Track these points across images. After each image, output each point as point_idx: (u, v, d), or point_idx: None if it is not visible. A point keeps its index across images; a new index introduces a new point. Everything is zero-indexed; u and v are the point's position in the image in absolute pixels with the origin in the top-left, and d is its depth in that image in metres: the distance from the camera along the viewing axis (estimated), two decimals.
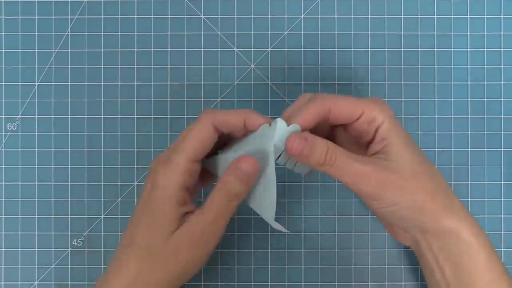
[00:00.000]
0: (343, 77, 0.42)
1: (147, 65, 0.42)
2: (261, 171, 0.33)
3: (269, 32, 0.42)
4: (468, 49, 0.42)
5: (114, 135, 0.42)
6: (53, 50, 0.42)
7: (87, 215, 0.42)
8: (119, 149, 0.42)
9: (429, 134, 0.42)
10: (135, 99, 0.42)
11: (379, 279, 0.42)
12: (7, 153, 0.42)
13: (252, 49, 0.42)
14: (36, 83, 0.42)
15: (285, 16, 0.42)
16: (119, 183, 0.42)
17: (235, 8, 0.42)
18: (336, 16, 0.42)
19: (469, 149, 0.42)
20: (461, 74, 0.42)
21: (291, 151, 0.31)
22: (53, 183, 0.42)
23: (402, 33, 0.42)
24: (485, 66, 0.42)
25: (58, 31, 0.42)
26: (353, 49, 0.42)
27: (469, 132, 0.42)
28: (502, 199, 0.42)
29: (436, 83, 0.42)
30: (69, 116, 0.42)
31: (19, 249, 0.42)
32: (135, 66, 0.42)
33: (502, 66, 0.42)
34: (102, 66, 0.42)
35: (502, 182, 0.42)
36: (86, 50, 0.42)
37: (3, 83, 0.42)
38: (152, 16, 0.42)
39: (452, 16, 0.42)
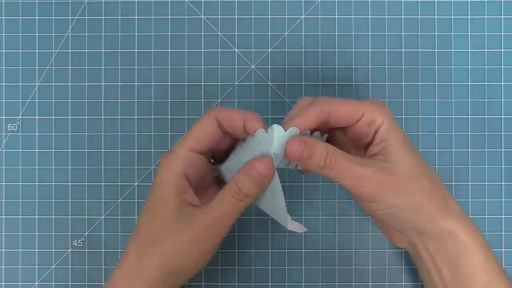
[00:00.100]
0: (343, 77, 0.42)
1: (147, 66, 0.42)
2: None
3: (269, 33, 0.42)
4: (469, 50, 0.42)
5: (115, 135, 0.42)
6: (53, 50, 0.42)
7: (87, 216, 0.42)
8: (119, 150, 0.42)
9: (429, 134, 0.42)
10: (136, 100, 0.42)
11: (379, 279, 0.42)
12: (7, 154, 0.42)
13: (253, 50, 0.42)
14: (37, 84, 0.42)
15: (286, 16, 0.42)
16: (119, 183, 0.42)
17: (236, 8, 0.42)
18: (336, 16, 0.42)
19: (469, 150, 0.42)
20: (461, 74, 0.42)
21: (291, 155, 0.31)
22: (53, 183, 0.42)
23: (403, 33, 0.42)
24: (486, 66, 0.42)
25: (59, 32, 0.42)
26: (353, 50, 0.42)
27: (469, 133, 0.42)
28: (503, 199, 0.42)
29: (436, 83, 0.42)
30: (70, 117, 0.42)
31: (20, 250, 0.42)
32: (136, 67, 0.42)
33: (502, 66, 0.42)
34: (103, 67, 0.42)
35: (503, 183, 0.42)
36: (86, 50, 0.42)
37: (3, 84, 0.42)
38: (153, 17, 0.42)
39: (452, 17, 0.42)
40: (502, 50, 0.42)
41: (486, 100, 0.42)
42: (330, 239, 0.42)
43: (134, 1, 0.42)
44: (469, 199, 0.42)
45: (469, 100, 0.42)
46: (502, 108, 0.42)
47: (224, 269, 0.42)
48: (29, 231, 0.42)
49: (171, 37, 0.42)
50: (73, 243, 0.42)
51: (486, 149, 0.42)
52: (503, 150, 0.42)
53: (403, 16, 0.42)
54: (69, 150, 0.42)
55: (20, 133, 0.42)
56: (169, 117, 0.42)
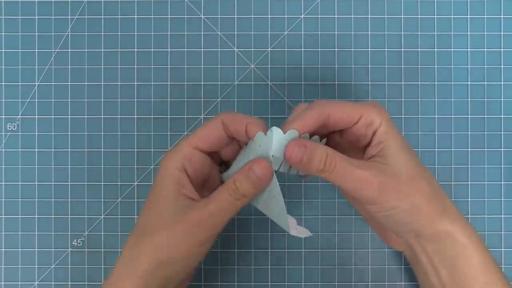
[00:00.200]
0: (343, 77, 0.42)
1: (147, 65, 0.42)
2: None
3: (269, 32, 0.42)
4: (468, 49, 0.42)
5: (114, 135, 0.42)
6: (53, 50, 0.42)
7: (87, 215, 0.42)
8: (119, 149, 0.42)
9: (429, 134, 0.42)
10: (135, 99, 0.42)
11: (379, 279, 0.42)
12: (7, 153, 0.42)
13: (252, 49, 0.42)
14: (36, 83, 0.42)
15: (285, 16, 0.42)
16: (119, 183, 0.42)
17: (235, 8, 0.42)
18: (336, 16, 0.42)
19: (469, 149, 0.42)
20: (461, 74, 0.42)
21: (290, 159, 0.31)
22: (53, 183, 0.42)
23: (402, 33, 0.42)
24: (485, 66, 0.42)
25: (58, 31, 0.42)
26: (353, 49, 0.42)
27: (469, 132, 0.42)
28: (502, 199, 0.42)
29: (436, 83, 0.42)
30: (69, 116, 0.42)
31: (19, 249, 0.42)
32: (135, 66, 0.42)
33: (502, 66, 0.42)
34: (102, 66, 0.42)
35: (502, 182, 0.42)
36: (86, 50, 0.42)
37: (3, 83, 0.42)
38: (152, 16, 0.42)
39: (452, 16, 0.42)
40: (502, 49, 0.42)
41: (485, 99, 0.42)
42: (330, 239, 0.42)
43: (133, 1, 0.42)
44: (469, 199, 0.42)
45: (469, 99, 0.42)
46: (501, 107, 0.42)
47: (224, 268, 0.42)
48: (29, 231, 0.42)
49: (171, 37, 0.42)
50: (73, 243, 0.42)
51: (485, 149, 0.42)
52: (502, 149, 0.42)
53: (402, 16, 0.42)
54: (69, 150, 0.42)
55: (19, 133, 0.42)
56: (169, 116, 0.42)
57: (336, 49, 0.42)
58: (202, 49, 0.42)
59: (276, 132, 0.31)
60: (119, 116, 0.42)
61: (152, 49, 0.42)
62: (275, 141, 0.31)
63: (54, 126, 0.42)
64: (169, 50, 0.42)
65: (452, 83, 0.42)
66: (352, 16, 0.42)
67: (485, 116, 0.42)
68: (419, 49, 0.42)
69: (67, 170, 0.42)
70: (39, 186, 0.42)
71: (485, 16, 0.42)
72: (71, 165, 0.42)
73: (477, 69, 0.42)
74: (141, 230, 0.33)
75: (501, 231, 0.42)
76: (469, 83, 0.42)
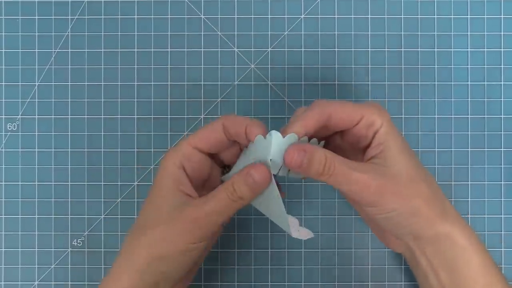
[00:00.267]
0: (343, 77, 0.42)
1: (147, 65, 0.42)
2: None
3: (269, 32, 0.42)
4: (468, 49, 0.42)
5: (114, 135, 0.42)
6: (53, 50, 0.42)
7: (87, 215, 0.42)
8: (119, 149, 0.42)
9: (429, 134, 0.42)
10: (135, 99, 0.42)
11: (379, 279, 0.42)
12: (7, 153, 0.42)
13: (252, 49, 0.42)
14: (36, 83, 0.42)
15: (285, 16, 0.42)
16: (119, 183, 0.42)
17: (235, 8, 0.42)
18: (336, 16, 0.42)
19: (469, 149, 0.42)
20: (461, 74, 0.42)
21: (290, 164, 0.31)
22: (53, 183, 0.42)
23: (402, 33, 0.42)
24: (485, 66, 0.42)
25: (58, 31, 0.42)
26: (353, 49, 0.42)
27: (469, 132, 0.42)
28: (502, 199, 0.42)
29: (436, 83, 0.42)
30: (69, 116, 0.42)
31: (19, 249, 0.42)
32: (135, 66, 0.42)
33: (502, 66, 0.42)
34: (102, 66, 0.42)
35: (502, 182, 0.42)
36: (86, 50, 0.42)
37: (3, 83, 0.42)
38: (152, 16, 0.42)
39: (452, 16, 0.42)
40: (502, 49, 0.42)
41: (485, 99, 0.42)
42: (330, 238, 0.42)
43: (133, 1, 0.42)
44: (469, 199, 0.42)
45: (469, 99, 0.42)
46: (501, 107, 0.42)
47: (224, 268, 0.42)
48: (29, 231, 0.42)
49: (171, 37, 0.42)
50: (73, 243, 0.42)
51: (485, 149, 0.42)
52: (502, 149, 0.42)
53: (402, 16, 0.42)
54: (69, 150, 0.42)
55: (19, 133, 0.42)
56: (169, 116, 0.42)
57: (336, 49, 0.42)
58: (202, 49, 0.42)
59: (275, 136, 0.31)
60: (119, 116, 0.42)
61: (152, 49, 0.42)
62: (274, 145, 0.31)
63: (54, 126, 0.42)
64: (169, 50, 0.42)
65: (452, 83, 0.42)
66: (352, 16, 0.42)
67: (485, 116, 0.42)
68: (419, 49, 0.42)
69: (67, 170, 0.42)
70: (39, 186, 0.42)
71: (485, 16, 0.42)
72: (71, 165, 0.42)
73: (477, 69, 0.42)
74: (139, 226, 0.33)
75: (501, 231, 0.42)
76: (469, 83, 0.42)
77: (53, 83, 0.42)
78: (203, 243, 0.33)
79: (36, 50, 0.42)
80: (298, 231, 0.33)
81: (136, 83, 0.42)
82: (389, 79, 0.42)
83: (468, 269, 0.32)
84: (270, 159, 0.31)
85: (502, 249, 0.42)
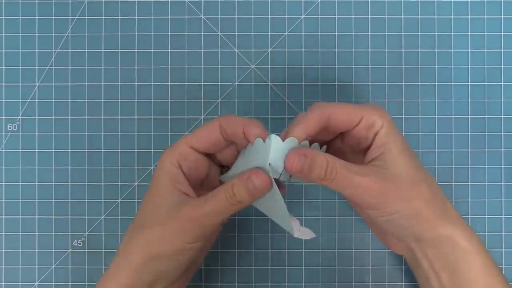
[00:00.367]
0: (343, 77, 0.42)
1: (147, 66, 0.42)
2: None
3: (269, 33, 0.42)
4: (469, 50, 0.42)
5: (115, 135, 0.42)
6: (53, 50, 0.42)
7: (87, 216, 0.42)
8: (119, 150, 0.42)
9: (429, 134, 0.42)
10: (136, 100, 0.42)
11: (379, 279, 0.42)
12: (7, 154, 0.42)
13: (253, 50, 0.42)
14: (37, 84, 0.42)
15: (286, 16, 0.42)
16: (119, 183, 0.42)
17: (236, 8, 0.42)
18: (336, 16, 0.42)
19: (469, 150, 0.42)
20: (461, 74, 0.42)
21: (291, 169, 0.31)
22: (53, 183, 0.42)
23: (403, 33, 0.42)
24: (486, 66, 0.42)
25: (59, 32, 0.42)
26: (353, 50, 0.42)
27: (469, 133, 0.42)
28: (503, 199, 0.42)
29: (436, 83, 0.42)
30: (70, 117, 0.42)
31: (20, 250, 0.42)
32: (136, 67, 0.42)
33: (502, 66, 0.42)
34: (103, 67, 0.42)
35: (503, 183, 0.42)
36: (86, 50, 0.42)
37: (3, 84, 0.42)
38: (153, 17, 0.42)
39: (452, 17, 0.42)
40: (502, 50, 0.42)
41: (486, 100, 0.42)
42: (330, 239, 0.42)
43: (134, 1, 0.42)
44: (469, 199, 0.42)
45: (469, 100, 0.42)
46: (502, 108, 0.42)
47: (224, 269, 0.42)
48: (29, 231, 0.42)
49: (171, 37, 0.42)
50: (73, 243, 0.42)
51: (486, 149, 0.42)
52: (503, 150, 0.42)
53: (403, 16, 0.42)
54: (69, 150, 0.42)
55: (20, 133, 0.42)
56: (169, 117, 0.42)
57: (336, 50, 0.42)
58: (203, 50, 0.42)
59: (274, 140, 0.31)
60: (119, 117, 0.42)
61: (153, 50, 0.42)
62: (273, 149, 0.31)
63: (55, 126, 0.42)
64: (169, 50, 0.42)
65: (453, 83, 0.42)
66: (353, 16, 0.42)
67: (486, 116, 0.42)
68: (419, 50, 0.42)
69: (67, 171, 0.42)
70: (39, 187, 0.42)
71: (486, 17, 0.42)
72: (71, 166, 0.42)
73: (478, 69, 0.42)
74: (137, 224, 0.33)
75: (502, 232, 0.42)
76: (469, 83, 0.42)
77: (53, 84, 0.42)
78: (200, 243, 0.33)
79: (36, 50, 0.42)
80: (299, 231, 0.33)
81: (136, 83, 0.42)
82: (389, 80, 0.42)
83: (470, 270, 0.32)
84: (269, 164, 0.31)
85: (503, 250, 0.42)
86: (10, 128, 0.42)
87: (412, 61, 0.42)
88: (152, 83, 0.42)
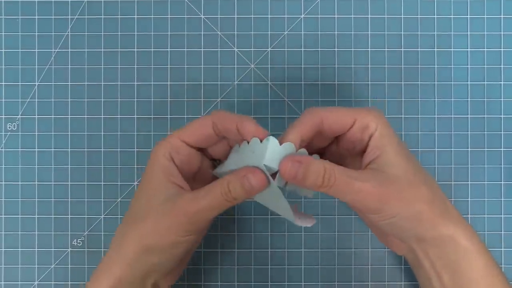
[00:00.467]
0: (343, 77, 0.42)
1: (147, 65, 0.42)
2: None
3: (269, 32, 0.42)
4: (468, 49, 0.42)
5: (114, 135, 0.42)
6: (53, 50, 0.42)
7: (87, 215, 0.42)
8: (119, 149, 0.42)
9: (429, 134, 0.42)
10: (135, 99, 0.42)
11: (379, 279, 0.42)
12: (7, 153, 0.42)
13: (252, 49, 0.42)
14: (36, 83, 0.42)
15: (285, 16, 0.42)
16: (119, 183, 0.42)
17: (235, 8, 0.42)
18: (336, 16, 0.42)
19: (469, 149, 0.42)
20: (461, 74, 0.42)
21: (284, 175, 0.31)
22: (53, 183, 0.42)
23: (402, 33, 0.42)
24: (485, 66, 0.42)
25: (58, 31, 0.42)
26: (353, 49, 0.42)
27: (469, 132, 0.42)
28: (502, 199, 0.42)
29: (436, 83, 0.42)
30: (69, 116, 0.42)
31: (19, 249, 0.42)
32: (135, 66, 0.42)
33: (502, 66, 0.42)
34: (102, 66, 0.42)
35: (502, 182, 0.42)
36: (86, 50, 0.42)
37: (3, 83, 0.42)
38: (152, 16, 0.42)
39: (452, 16, 0.42)
40: (502, 49, 0.42)
41: (485, 99, 0.42)
42: (330, 238, 0.42)
43: (133, 1, 0.42)
44: (469, 199, 0.42)
45: (469, 99, 0.42)
46: (501, 107, 0.42)
47: (224, 268, 0.42)
48: (29, 231, 0.42)
49: (171, 37, 0.42)
50: (73, 243, 0.42)
51: (485, 149, 0.42)
52: (502, 149, 0.42)
53: (402, 16, 0.42)
54: (69, 150, 0.42)
55: (19, 133, 0.42)
56: (169, 116, 0.42)
57: (336, 49, 0.42)
58: (202, 49, 0.42)
59: (272, 141, 0.31)
60: (119, 116, 0.42)
61: (152, 49, 0.42)
62: (269, 150, 0.31)
63: (54, 126, 0.42)
64: (169, 50, 0.42)
65: (452, 83, 0.42)
66: (352, 16, 0.42)
67: (485, 116, 0.42)
68: (419, 49, 0.42)
69: (67, 170, 0.42)
70: (39, 186, 0.42)
71: (485, 16, 0.42)
72: (71, 165, 0.42)
73: (477, 69, 0.42)
74: (130, 217, 0.33)
75: (501, 231, 0.42)
76: (469, 83, 0.42)
77: (53, 83, 0.42)
78: (193, 236, 0.33)
79: (36, 50, 0.42)
80: (299, 218, 0.33)
81: (136, 83, 0.42)
82: (389, 79, 0.42)
83: (471, 270, 0.32)
84: (264, 165, 0.31)
85: (502, 249, 0.42)
86: (9, 127, 0.42)
87: (412, 60, 0.42)
88: (152, 83, 0.42)
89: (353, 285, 0.42)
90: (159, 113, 0.42)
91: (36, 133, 0.42)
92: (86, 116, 0.42)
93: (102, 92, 0.42)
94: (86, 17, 0.42)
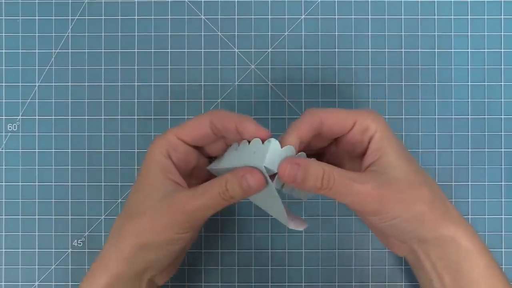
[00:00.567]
0: (343, 78, 0.42)
1: (147, 66, 0.42)
2: None
3: (269, 33, 0.42)
4: (469, 50, 0.42)
5: (115, 135, 0.42)
6: (53, 50, 0.42)
7: (87, 216, 0.42)
8: (119, 150, 0.42)
9: (429, 134, 0.42)
10: (136, 100, 0.42)
11: (379, 279, 0.42)
12: (7, 154, 0.42)
13: (253, 50, 0.42)
14: (37, 84, 0.42)
15: (286, 16, 0.42)
16: (119, 183, 0.42)
17: (236, 8, 0.42)
18: (336, 16, 0.42)
19: (469, 150, 0.42)
20: (461, 74, 0.42)
21: (283, 177, 0.30)
22: (53, 183, 0.42)
23: (403, 33, 0.42)
24: (486, 66, 0.42)
25: (59, 32, 0.42)
26: (353, 50, 0.42)
27: (469, 133, 0.42)
28: (503, 199, 0.42)
29: (436, 83, 0.42)
30: (70, 117, 0.42)
31: (20, 250, 0.42)
32: (136, 67, 0.42)
33: (502, 66, 0.42)
34: (103, 67, 0.42)
35: (503, 183, 0.42)
36: (86, 50, 0.42)
37: (3, 84, 0.42)
38: (153, 17, 0.42)
39: (452, 17, 0.42)
40: (502, 50, 0.42)
41: (486, 100, 0.42)
42: (330, 239, 0.42)
43: (134, 1, 0.42)
44: (469, 199, 0.42)
45: (469, 100, 0.42)
46: (502, 108, 0.42)
47: (224, 269, 0.42)
48: (29, 231, 0.42)
49: (171, 37, 0.42)
50: (73, 243, 0.42)
51: (486, 149, 0.42)
52: (503, 150, 0.42)
53: (403, 16, 0.42)
54: (69, 150, 0.42)
55: (20, 133, 0.42)
56: (169, 117, 0.42)
57: (336, 50, 0.42)
58: (203, 50, 0.42)
59: (273, 144, 0.31)
60: (119, 117, 0.42)
61: (153, 50, 0.42)
62: (270, 152, 0.30)
63: (55, 126, 0.42)
64: (169, 50, 0.42)
65: (453, 83, 0.42)
66: (353, 16, 0.42)
67: (486, 116, 0.42)
68: (419, 50, 0.42)
69: (67, 171, 0.42)
70: (39, 187, 0.42)
71: (486, 17, 0.42)
72: (71, 166, 0.42)
73: (478, 69, 0.42)
74: (127, 213, 0.33)
75: (502, 232, 0.42)
76: (469, 83, 0.42)
77: (53, 84, 0.42)
78: (190, 233, 0.33)
79: (36, 50, 0.42)
80: (292, 220, 0.33)
81: (136, 83, 0.42)
82: (390, 80, 0.42)
83: (472, 271, 0.32)
84: (264, 167, 0.31)
85: (503, 250, 0.42)
86: (10, 128, 0.42)
87: (412, 61, 0.42)
88: (152, 83, 0.42)
89: (353, 286, 0.42)
90: (159, 114, 0.42)
91: (37, 133, 0.42)
92: (86, 117, 0.42)
93: (102, 93, 0.42)
94: (86, 17, 0.42)
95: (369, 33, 0.42)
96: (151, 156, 0.33)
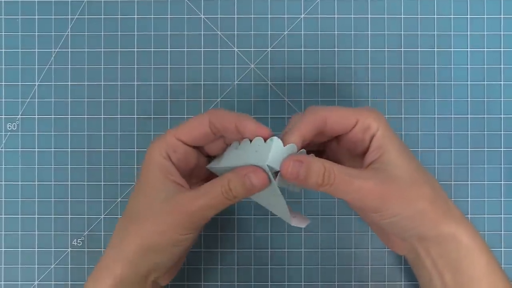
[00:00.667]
0: (343, 77, 0.42)
1: (147, 65, 0.42)
2: None
3: (269, 32, 0.42)
4: (468, 49, 0.42)
5: (114, 135, 0.42)
6: (53, 50, 0.42)
7: (87, 215, 0.42)
8: (119, 149, 0.42)
9: (429, 134, 0.42)
10: (135, 99, 0.42)
11: (379, 279, 0.42)
12: (7, 153, 0.42)
13: (252, 49, 0.42)
14: (36, 83, 0.42)
15: (285, 16, 0.42)
16: (119, 183, 0.42)
17: (235, 8, 0.42)
18: (336, 16, 0.42)
19: (469, 149, 0.42)
20: (461, 74, 0.42)
21: (286, 175, 0.30)
22: (53, 183, 0.42)
23: (402, 33, 0.42)
24: (485, 66, 0.42)
25: (58, 31, 0.42)
26: (353, 49, 0.42)
27: (469, 132, 0.42)
28: (502, 199, 0.42)
29: (436, 83, 0.42)
30: (69, 116, 0.42)
31: (19, 249, 0.42)
32: (135, 66, 0.42)
33: (502, 66, 0.42)
34: (102, 66, 0.42)
35: (502, 182, 0.42)
36: (86, 50, 0.42)
37: (3, 83, 0.42)
38: (152, 16, 0.42)
39: (452, 16, 0.42)
40: (502, 49, 0.42)
41: (485, 99, 0.42)
42: (330, 238, 0.42)
43: (133, 1, 0.42)
44: (469, 199, 0.42)
45: (469, 99, 0.42)
46: (501, 107, 0.42)
47: (224, 268, 0.42)
48: (29, 231, 0.42)
49: (171, 37, 0.42)
50: (73, 243, 0.42)
51: (485, 149, 0.42)
52: (502, 149, 0.42)
53: (402, 16, 0.42)
54: (69, 150, 0.42)
55: (19, 133, 0.42)
56: (169, 116, 0.42)
57: (336, 49, 0.42)
58: (202, 49, 0.42)
59: (276, 142, 0.31)
60: (119, 116, 0.42)
61: (152, 49, 0.42)
62: (273, 151, 0.31)
63: (54, 126, 0.42)
64: (169, 50, 0.42)
65: (452, 83, 0.42)
66: (352, 16, 0.42)
67: (485, 116, 0.42)
68: (419, 49, 0.42)
69: (67, 170, 0.42)
70: (39, 186, 0.42)
71: (485, 16, 0.42)
72: (71, 165, 0.42)
73: (477, 69, 0.42)
74: (129, 216, 0.33)
75: (501, 231, 0.42)
76: (469, 83, 0.42)
77: (53, 83, 0.42)
78: (193, 234, 0.33)
79: (36, 50, 0.42)
80: (294, 217, 0.33)
81: (136, 83, 0.42)
82: (389, 79, 0.42)
83: (473, 269, 0.32)
84: (267, 165, 0.31)
85: (502, 249, 0.42)
86: (9, 127, 0.42)
87: (412, 60, 0.42)
88: (152, 83, 0.42)
89: (353, 285, 0.42)
90: (159, 113, 0.42)
91: (36, 133, 0.42)
92: (86, 116, 0.42)
93: (102, 92, 0.42)
94: (86, 17, 0.42)
95: (369, 32, 0.42)
96: (150, 158, 0.33)
